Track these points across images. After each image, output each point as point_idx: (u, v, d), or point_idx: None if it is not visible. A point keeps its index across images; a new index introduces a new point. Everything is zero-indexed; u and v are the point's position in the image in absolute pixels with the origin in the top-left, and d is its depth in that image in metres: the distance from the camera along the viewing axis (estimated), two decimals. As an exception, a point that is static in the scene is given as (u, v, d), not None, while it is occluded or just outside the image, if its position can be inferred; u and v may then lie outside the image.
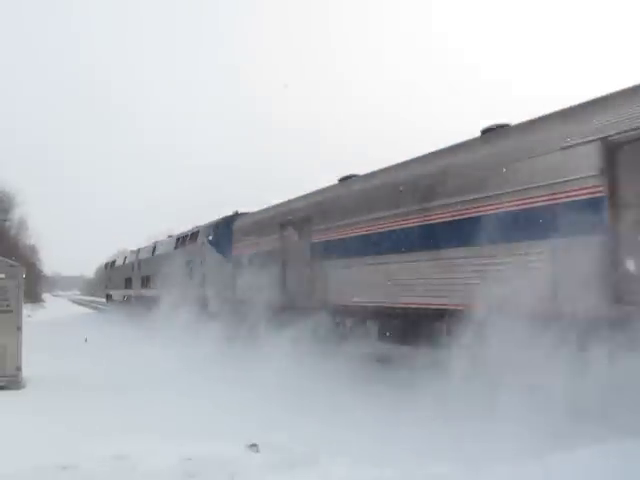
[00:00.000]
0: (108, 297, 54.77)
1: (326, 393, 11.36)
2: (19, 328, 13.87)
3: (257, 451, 7.80)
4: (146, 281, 34.85)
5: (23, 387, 13.52)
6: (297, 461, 7.39)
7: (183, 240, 28.07)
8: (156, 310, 24.94)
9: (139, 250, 39.57)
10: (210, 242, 23.35)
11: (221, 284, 21.41)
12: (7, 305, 13.87)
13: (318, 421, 9.53)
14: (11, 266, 14.52)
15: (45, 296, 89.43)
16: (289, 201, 17.85)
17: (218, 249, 22.63)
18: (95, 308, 61.90)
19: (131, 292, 40.54)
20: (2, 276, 13.98)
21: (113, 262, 51.33)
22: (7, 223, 64.70)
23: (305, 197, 16.83)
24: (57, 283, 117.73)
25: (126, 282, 42.28)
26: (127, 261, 43.28)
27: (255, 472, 7.02)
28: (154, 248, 34.84)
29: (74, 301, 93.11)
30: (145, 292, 34.91)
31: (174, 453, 7.25)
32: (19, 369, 13.63)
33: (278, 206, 18.51)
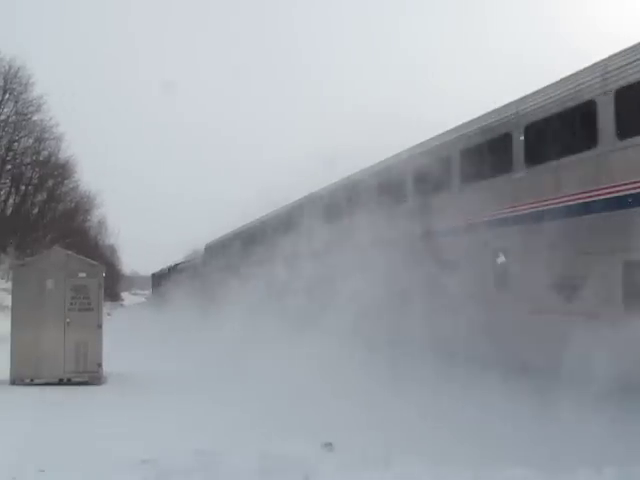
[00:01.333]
0: None
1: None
2: (100, 326, 14.29)
3: (331, 450, 7.82)
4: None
5: (104, 383, 13.92)
6: (371, 461, 7.35)
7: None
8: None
9: None
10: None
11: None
12: (88, 303, 14.30)
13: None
14: (92, 265, 14.98)
15: (124, 295, 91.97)
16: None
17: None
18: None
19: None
20: (83, 275, 14.41)
21: None
22: (87, 224, 66.78)
23: None
24: (135, 282, 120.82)
25: None
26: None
27: (329, 471, 7.02)
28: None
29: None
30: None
31: (252, 450, 7.32)
32: (100, 365, 14.04)
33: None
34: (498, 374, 10.94)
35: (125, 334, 25.53)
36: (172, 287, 43.42)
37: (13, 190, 47.77)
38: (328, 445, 7.89)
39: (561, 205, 11.23)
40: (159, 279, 64.12)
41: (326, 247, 19.26)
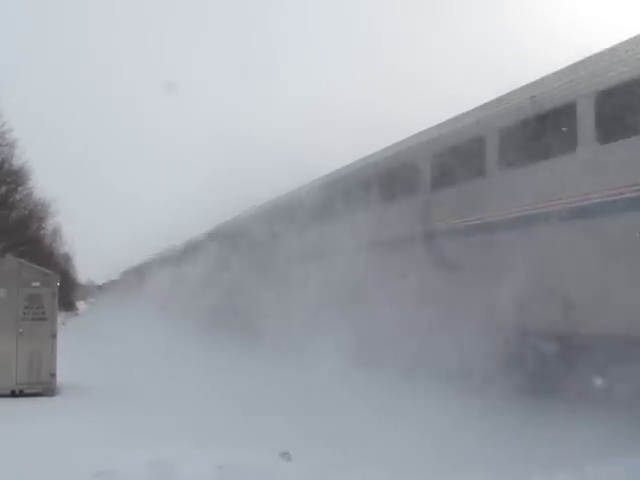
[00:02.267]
0: None
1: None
2: (54, 335, 14.06)
3: (289, 459, 7.81)
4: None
5: (57, 394, 13.69)
6: (329, 470, 7.36)
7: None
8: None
9: None
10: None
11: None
12: (42, 313, 14.06)
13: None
14: (46, 274, 14.73)
15: (79, 304, 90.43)
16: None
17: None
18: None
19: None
20: (37, 284, 14.17)
21: None
22: (41, 232, 65.59)
23: None
24: (91, 291, 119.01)
25: None
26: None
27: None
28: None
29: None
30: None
31: (208, 460, 7.27)
32: (54, 376, 13.80)
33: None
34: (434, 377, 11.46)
35: (80, 343, 25.12)
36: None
37: (-37, 197, 46.74)
38: (285, 454, 7.87)
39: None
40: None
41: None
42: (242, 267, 24.77)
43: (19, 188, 53.81)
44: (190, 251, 36.41)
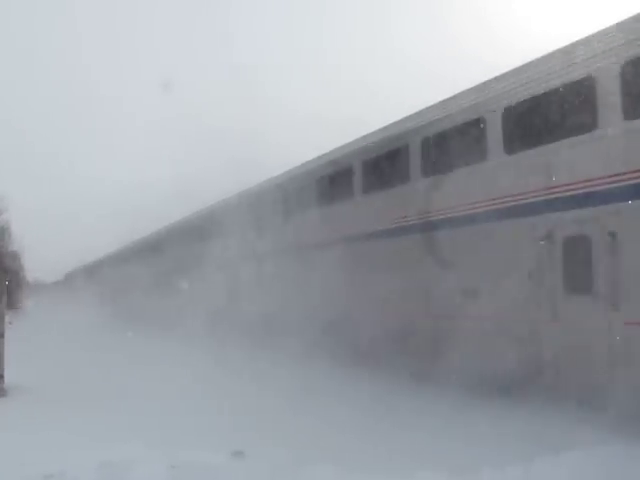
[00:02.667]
0: None
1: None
2: (1, 335, 13.75)
3: (242, 458, 7.79)
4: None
5: (5, 395, 13.40)
6: (281, 469, 7.37)
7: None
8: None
9: None
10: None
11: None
12: (-12, 312, 13.75)
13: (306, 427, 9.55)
14: (-7, 273, 14.42)
15: (27, 303, 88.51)
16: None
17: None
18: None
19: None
20: (-17, 283, 13.87)
21: None
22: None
23: None
24: (41, 290, 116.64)
25: None
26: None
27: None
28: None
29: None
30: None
31: (161, 460, 7.22)
32: (2, 377, 13.50)
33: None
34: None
35: (26, 343, 24.61)
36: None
37: None
38: (239, 453, 7.86)
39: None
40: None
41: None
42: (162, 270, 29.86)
43: (-36, 186, 52.53)
44: (125, 254, 40.00)
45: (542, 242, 10.31)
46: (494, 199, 11.31)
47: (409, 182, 13.69)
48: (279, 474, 7.09)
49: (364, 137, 15.93)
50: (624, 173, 9.21)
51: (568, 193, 10.03)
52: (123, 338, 24.43)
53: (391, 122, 14.81)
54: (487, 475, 6.74)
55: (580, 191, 9.90)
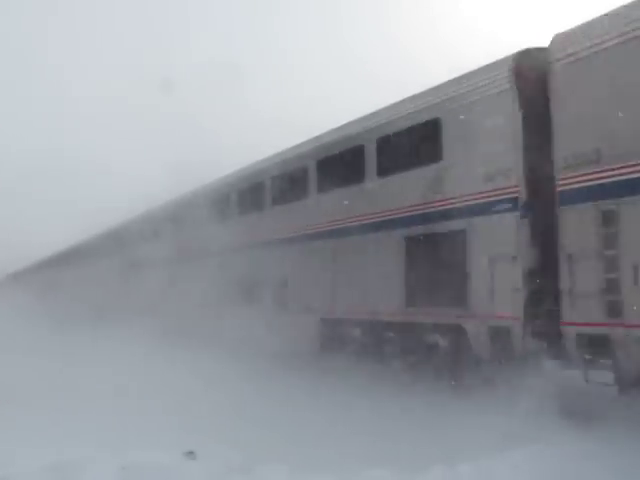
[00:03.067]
0: None
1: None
2: None
3: (193, 458, 7.73)
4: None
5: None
6: (234, 469, 7.36)
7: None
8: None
9: None
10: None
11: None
12: None
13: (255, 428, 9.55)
14: None
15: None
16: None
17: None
18: None
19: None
20: None
21: None
22: None
23: None
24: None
25: None
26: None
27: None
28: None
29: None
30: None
31: (111, 462, 7.11)
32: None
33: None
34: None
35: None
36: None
37: None
38: (190, 454, 7.80)
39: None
40: None
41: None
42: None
43: None
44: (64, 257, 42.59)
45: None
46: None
47: (310, 196, 15.55)
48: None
49: (276, 155, 17.93)
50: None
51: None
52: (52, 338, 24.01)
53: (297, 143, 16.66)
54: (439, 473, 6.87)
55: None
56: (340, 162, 14.38)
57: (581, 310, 8.89)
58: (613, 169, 8.61)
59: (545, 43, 9.82)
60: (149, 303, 23.18)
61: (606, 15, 8.92)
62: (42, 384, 13.54)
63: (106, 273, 30.45)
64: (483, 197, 10.52)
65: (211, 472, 7.21)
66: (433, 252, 11.45)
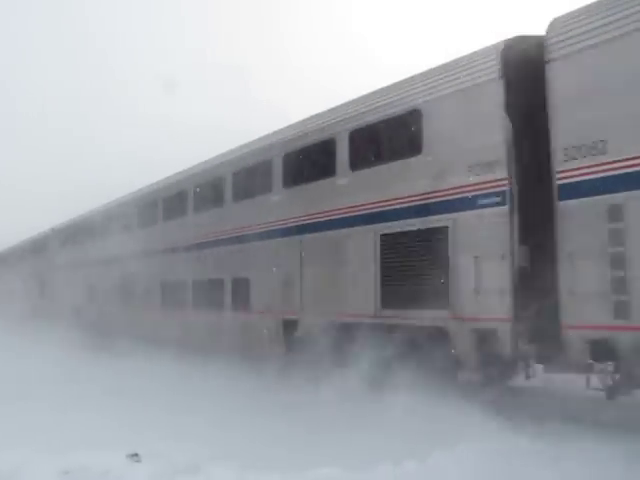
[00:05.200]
0: None
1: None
2: None
3: (138, 461, 7.57)
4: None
5: None
6: (180, 470, 7.23)
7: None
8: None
9: None
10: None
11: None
12: None
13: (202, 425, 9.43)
14: None
15: None
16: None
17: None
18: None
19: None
20: None
21: None
22: None
23: None
24: None
25: None
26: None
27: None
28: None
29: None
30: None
31: (52, 466, 6.90)
32: None
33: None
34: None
35: None
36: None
37: None
38: (134, 456, 7.63)
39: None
40: None
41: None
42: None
43: None
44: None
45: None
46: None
47: (277, 191, 14.72)
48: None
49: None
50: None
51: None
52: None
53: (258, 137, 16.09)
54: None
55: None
56: (310, 155, 13.69)
57: (583, 312, 8.40)
58: (620, 161, 8.13)
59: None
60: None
61: None
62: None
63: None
64: (469, 191, 9.92)
65: (157, 474, 7.07)
66: (412, 250, 10.86)
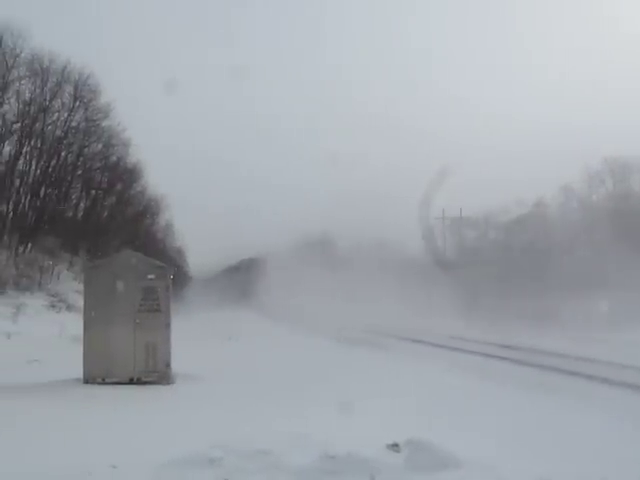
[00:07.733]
0: None
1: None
2: (168, 325, 14.49)
3: (398, 451, 7.71)
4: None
5: (173, 382, 14.11)
6: (440, 462, 7.23)
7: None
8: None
9: None
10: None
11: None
12: (157, 305, 14.50)
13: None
14: (160, 267, 15.16)
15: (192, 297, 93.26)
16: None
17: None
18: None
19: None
20: (152, 277, 14.62)
21: None
22: (154, 227, 68.15)
23: None
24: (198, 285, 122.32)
25: None
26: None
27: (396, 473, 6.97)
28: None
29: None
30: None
31: (315, 450, 7.32)
32: (168, 365, 14.24)
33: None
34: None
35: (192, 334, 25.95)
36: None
37: (84, 194, 49.16)
38: (394, 446, 7.80)
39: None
40: None
41: None
42: None
43: (133, 184, 56.11)
44: None
45: None
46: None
47: None
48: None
49: None
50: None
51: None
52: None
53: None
54: None
55: None
56: None
57: None
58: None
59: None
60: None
61: None
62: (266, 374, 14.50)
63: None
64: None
65: (416, 465, 7.17)
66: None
